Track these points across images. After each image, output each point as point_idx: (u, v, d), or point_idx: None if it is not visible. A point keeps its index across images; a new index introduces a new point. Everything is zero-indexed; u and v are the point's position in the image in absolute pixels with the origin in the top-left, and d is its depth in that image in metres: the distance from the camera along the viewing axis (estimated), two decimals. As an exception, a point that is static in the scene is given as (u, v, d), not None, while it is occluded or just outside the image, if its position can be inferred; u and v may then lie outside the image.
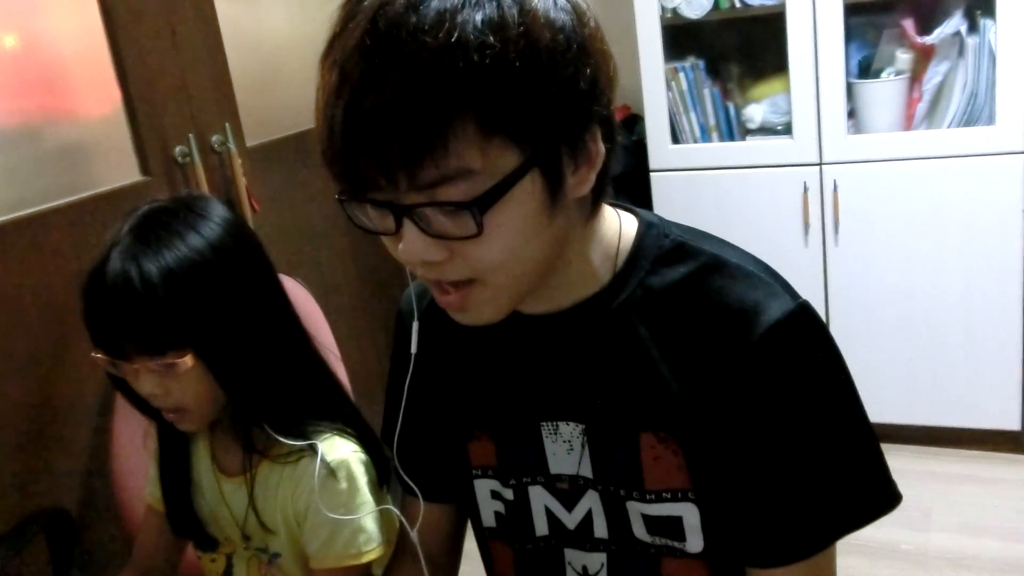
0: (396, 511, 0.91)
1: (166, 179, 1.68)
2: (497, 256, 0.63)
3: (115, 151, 1.63)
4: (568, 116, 0.61)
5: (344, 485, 0.94)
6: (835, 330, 2.22)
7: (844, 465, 0.73)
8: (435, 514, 0.91)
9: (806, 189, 2.18)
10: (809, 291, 2.20)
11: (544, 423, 0.79)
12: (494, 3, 0.58)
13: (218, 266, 0.88)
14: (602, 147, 0.66)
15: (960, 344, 2.15)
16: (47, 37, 1.53)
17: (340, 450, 0.95)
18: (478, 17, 0.57)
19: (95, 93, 1.62)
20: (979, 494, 2.12)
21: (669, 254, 0.75)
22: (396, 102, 0.56)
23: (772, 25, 2.15)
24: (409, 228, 0.61)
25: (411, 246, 0.62)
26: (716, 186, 2.29)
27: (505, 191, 0.59)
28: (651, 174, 2.35)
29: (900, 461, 2.30)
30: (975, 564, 1.89)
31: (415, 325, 0.83)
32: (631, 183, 2.46)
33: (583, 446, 0.78)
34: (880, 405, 2.26)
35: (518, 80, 0.57)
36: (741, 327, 0.70)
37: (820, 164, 2.16)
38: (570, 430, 0.78)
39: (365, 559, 0.94)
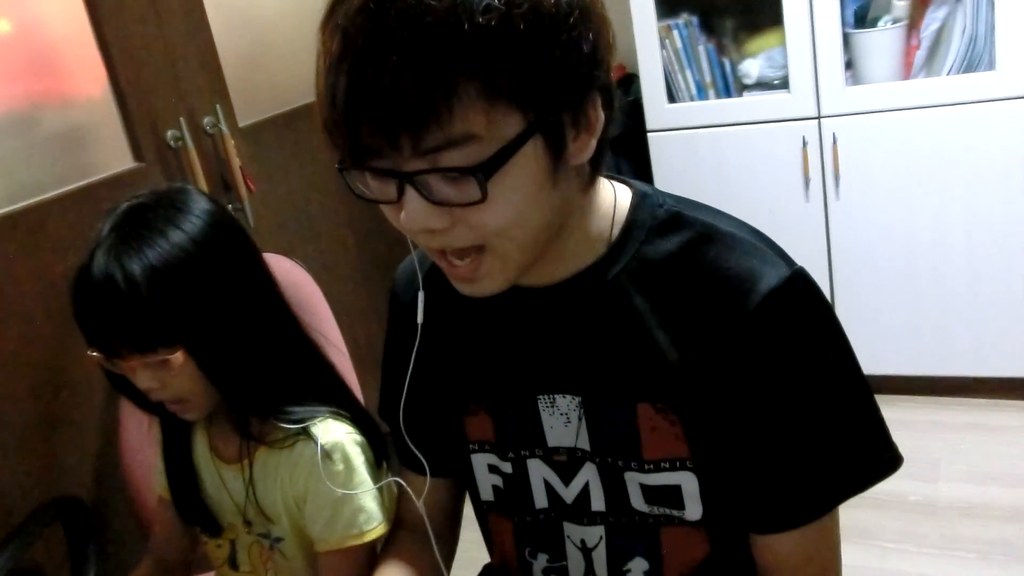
0: (400, 481, 0.93)
1: (160, 164, 1.67)
2: (501, 221, 0.63)
3: (107, 138, 1.63)
4: (571, 81, 0.61)
5: (340, 467, 0.95)
6: (839, 283, 2.25)
7: (844, 429, 0.74)
8: (433, 488, 0.92)
9: (805, 143, 2.16)
10: (811, 245, 2.23)
11: (541, 396, 0.80)
12: None
13: (201, 260, 0.89)
14: (602, 114, 0.66)
15: (965, 293, 2.14)
16: (33, 25, 1.51)
17: (334, 432, 0.96)
18: None
19: (84, 81, 1.61)
20: (987, 442, 2.13)
21: (664, 224, 0.75)
22: (402, 67, 0.56)
23: (765, -23, 2.11)
24: (411, 195, 0.61)
25: (413, 214, 0.62)
26: (714, 144, 2.27)
27: (509, 156, 0.59)
28: (648, 134, 2.33)
29: (907, 412, 2.33)
30: (984, 513, 1.90)
31: (420, 295, 0.83)
32: (629, 144, 2.44)
33: (580, 418, 0.79)
34: (886, 357, 2.27)
35: (523, 44, 0.57)
36: (737, 296, 0.70)
37: (819, 117, 2.13)
38: (567, 403, 0.79)
39: (368, 538, 0.95)
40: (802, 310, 0.71)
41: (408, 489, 0.91)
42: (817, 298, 0.73)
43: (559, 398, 0.79)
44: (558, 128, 0.62)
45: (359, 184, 0.64)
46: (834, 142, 2.13)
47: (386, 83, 0.56)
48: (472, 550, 1.03)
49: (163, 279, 0.86)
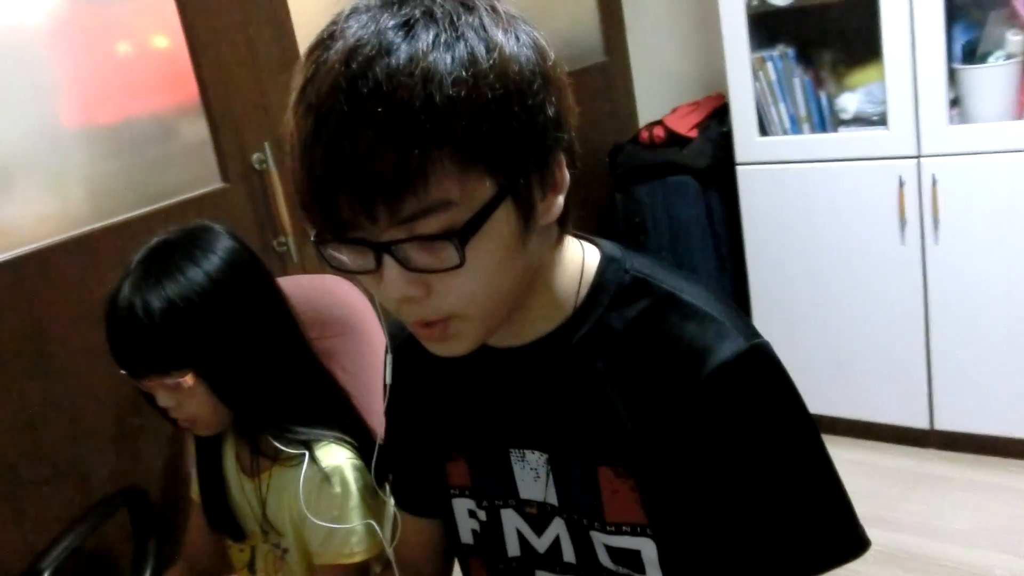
0: (375, 526, 0.96)
1: (244, 185, 1.79)
2: (475, 287, 0.64)
3: (198, 160, 1.76)
4: (537, 145, 0.63)
5: (338, 490, 1.00)
6: (935, 333, 2.11)
7: (800, 506, 0.71)
8: (423, 528, 0.94)
9: (902, 183, 2.04)
10: (906, 293, 2.10)
11: (513, 450, 0.81)
12: (462, 43, 0.60)
13: (215, 296, 0.97)
14: (566, 173, 0.68)
15: (1079, 353, 1.96)
16: (135, 52, 1.66)
17: (335, 456, 1.02)
18: (448, 56, 0.59)
19: (180, 105, 1.75)
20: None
21: (628, 290, 0.75)
22: (378, 141, 0.58)
23: (866, 8, 2.01)
24: (389, 265, 0.63)
25: (392, 282, 0.63)
26: (805, 180, 2.18)
27: (483, 220, 0.61)
28: (737, 167, 2.27)
29: (1011, 478, 2.11)
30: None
31: (389, 358, 0.87)
32: (717, 176, 2.38)
33: (548, 475, 0.79)
34: (986, 415, 2.10)
35: (491, 112, 0.59)
36: (690, 367, 0.70)
37: (918, 156, 2.01)
38: (536, 458, 0.80)
39: (357, 559, 1.01)
40: (755, 384, 0.69)
41: (380, 532, 0.94)
42: (774, 373, 0.70)
43: (528, 453, 0.80)
44: (527, 190, 0.64)
45: (336, 256, 0.66)
46: (933, 183, 2.00)
47: (362, 157, 0.58)
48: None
49: (177, 310, 0.95)
